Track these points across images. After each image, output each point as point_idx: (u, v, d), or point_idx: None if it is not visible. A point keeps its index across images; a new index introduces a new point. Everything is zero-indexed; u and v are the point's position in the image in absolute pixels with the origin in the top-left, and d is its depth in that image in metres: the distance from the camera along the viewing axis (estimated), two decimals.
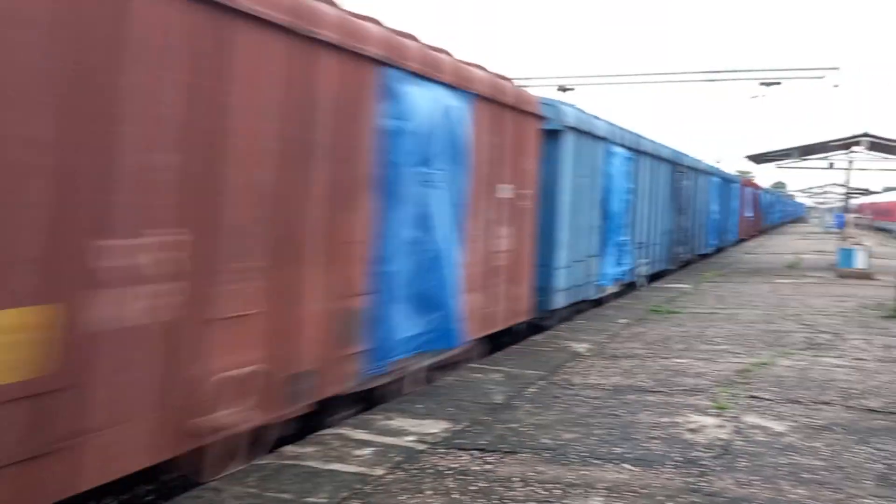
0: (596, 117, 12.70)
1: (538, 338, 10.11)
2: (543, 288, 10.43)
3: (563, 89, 29.74)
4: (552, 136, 10.55)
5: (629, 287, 15.17)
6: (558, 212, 10.75)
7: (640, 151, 15.19)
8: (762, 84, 33.16)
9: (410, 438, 5.67)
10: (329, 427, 5.88)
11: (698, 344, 9.89)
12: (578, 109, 11.98)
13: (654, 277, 17.66)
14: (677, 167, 19.36)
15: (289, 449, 5.34)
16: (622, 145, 13.69)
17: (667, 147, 18.68)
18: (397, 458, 5.21)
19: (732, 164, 55.14)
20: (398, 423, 6.06)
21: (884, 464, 5.35)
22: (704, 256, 24.65)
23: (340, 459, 5.16)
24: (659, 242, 17.82)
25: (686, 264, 21.42)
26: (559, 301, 10.92)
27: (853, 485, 4.93)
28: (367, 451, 5.35)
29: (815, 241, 39.84)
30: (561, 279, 10.87)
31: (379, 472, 4.95)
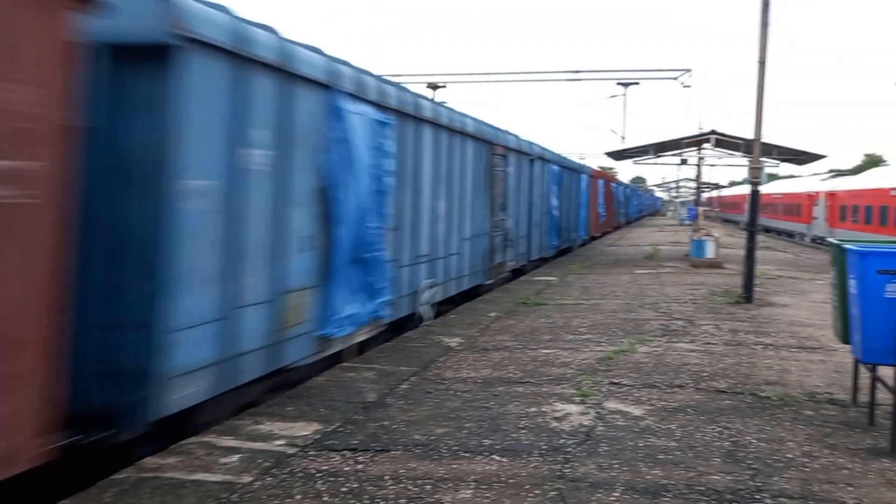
0: (311, 47, 7.55)
1: (411, 334, 10.16)
2: (123, 374, 5.20)
3: (433, 87, 29.96)
4: (145, 57, 5.26)
5: (404, 324, 10.40)
6: (175, 214, 5.40)
7: (416, 117, 10.31)
8: (619, 84, 34.85)
9: (280, 442, 5.55)
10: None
11: (564, 334, 10.26)
12: (250, 22, 6.45)
13: (467, 296, 13.50)
14: (494, 148, 14.55)
15: (149, 461, 5.09)
16: (372, 102, 8.63)
17: (474, 118, 13.56)
18: (266, 464, 5.08)
19: (596, 160, 57.64)
20: (268, 427, 5.91)
21: (730, 441, 5.75)
22: (544, 261, 21.20)
23: (205, 468, 4.97)
24: (461, 251, 12.82)
25: (516, 275, 17.49)
26: (188, 393, 5.60)
27: (703, 462, 5.26)
28: (234, 458, 5.19)
29: (670, 233, 42.35)
30: (189, 349, 5.58)
31: (247, 479, 4.81)
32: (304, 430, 5.86)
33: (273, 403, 6.60)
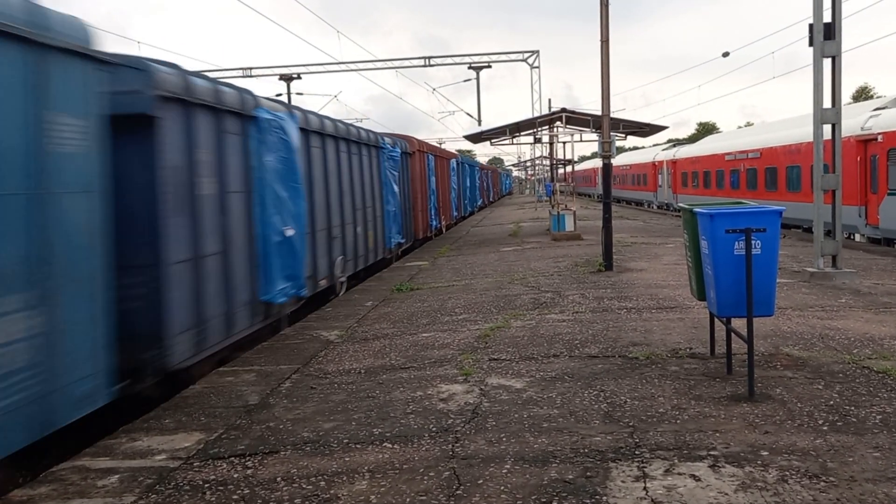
0: None
1: (288, 331, 9.96)
2: None
3: (287, 79, 29.27)
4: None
5: None
6: None
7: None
8: (471, 67, 35.47)
9: (161, 457, 5.29)
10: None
11: (441, 316, 10.39)
12: None
13: None
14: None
15: (18, 493, 4.72)
16: None
17: None
18: (148, 481, 4.84)
19: (455, 144, 58.40)
20: (145, 442, 5.63)
21: (607, 403, 6.05)
22: None
23: (82, 494, 4.67)
24: None
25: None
26: None
27: (585, 426, 5.51)
28: (112, 479, 4.90)
29: (530, 210, 43.77)
30: None
31: (129, 499, 4.57)
32: (186, 441, 5.62)
33: (148, 417, 6.28)
